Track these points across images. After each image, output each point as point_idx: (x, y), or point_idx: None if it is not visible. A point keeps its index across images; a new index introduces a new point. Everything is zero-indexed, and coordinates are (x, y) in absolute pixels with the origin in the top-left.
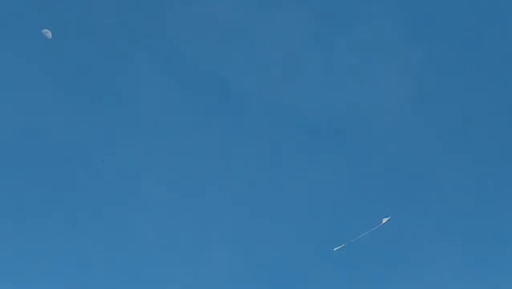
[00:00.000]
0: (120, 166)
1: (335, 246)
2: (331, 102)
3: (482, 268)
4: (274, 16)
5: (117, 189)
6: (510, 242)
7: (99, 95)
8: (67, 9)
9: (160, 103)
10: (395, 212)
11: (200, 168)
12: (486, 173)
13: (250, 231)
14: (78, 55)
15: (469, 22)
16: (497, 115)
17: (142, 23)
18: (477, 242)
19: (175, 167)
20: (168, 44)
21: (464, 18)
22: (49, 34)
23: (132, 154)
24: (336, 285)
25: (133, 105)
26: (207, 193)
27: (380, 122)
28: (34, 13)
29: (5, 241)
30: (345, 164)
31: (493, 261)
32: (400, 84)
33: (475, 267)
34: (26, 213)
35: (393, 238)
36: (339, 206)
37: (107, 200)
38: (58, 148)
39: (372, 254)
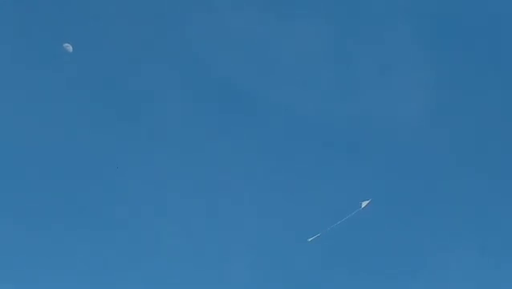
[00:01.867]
0: (145, 178)
1: (358, 261)
2: (349, 113)
3: (495, 274)
4: (291, 27)
5: (142, 201)
6: None
7: (122, 107)
8: (86, 20)
9: (183, 114)
10: (411, 223)
11: (223, 180)
12: (503, 186)
13: (274, 244)
14: (100, 67)
15: (487, 34)
16: None
17: (162, 35)
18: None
19: (199, 178)
20: (188, 56)
21: (482, 30)
22: (70, 48)
23: (156, 166)
24: None
25: (156, 117)
26: (230, 204)
27: (396, 133)
28: (54, 25)
29: (30, 249)
30: (362, 175)
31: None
32: (416, 96)
33: (488, 274)
34: (50, 224)
35: (412, 247)
36: (360, 219)
37: (131, 211)
38: (83, 160)
39: (397, 265)
